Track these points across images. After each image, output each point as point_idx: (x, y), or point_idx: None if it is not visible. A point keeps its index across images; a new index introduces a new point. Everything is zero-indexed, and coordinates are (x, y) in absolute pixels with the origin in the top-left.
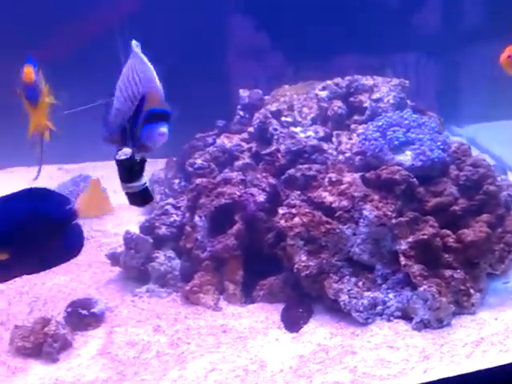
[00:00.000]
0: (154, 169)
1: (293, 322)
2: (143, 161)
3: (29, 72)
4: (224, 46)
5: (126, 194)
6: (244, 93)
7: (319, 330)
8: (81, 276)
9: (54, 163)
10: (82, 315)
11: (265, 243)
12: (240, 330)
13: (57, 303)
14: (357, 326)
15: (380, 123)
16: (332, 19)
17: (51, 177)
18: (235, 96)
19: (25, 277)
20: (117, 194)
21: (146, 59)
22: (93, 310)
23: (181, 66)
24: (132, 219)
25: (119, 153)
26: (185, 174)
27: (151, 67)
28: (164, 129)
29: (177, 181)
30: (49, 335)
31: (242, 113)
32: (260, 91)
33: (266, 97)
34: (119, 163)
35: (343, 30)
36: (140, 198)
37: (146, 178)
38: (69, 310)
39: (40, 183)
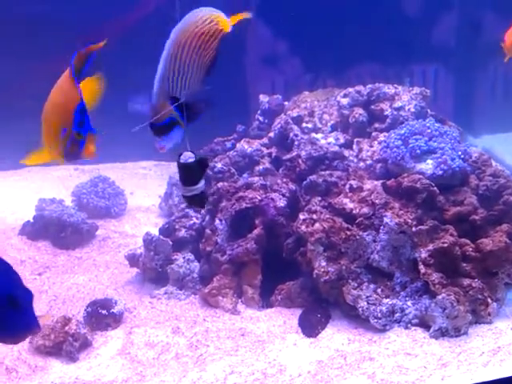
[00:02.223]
0: (171, 171)
1: (311, 327)
2: (205, 165)
3: None
4: (243, 52)
5: (185, 196)
6: (264, 98)
7: (337, 336)
8: (99, 276)
9: (71, 163)
10: (102, 315)
11: (284, 248)
12: (258, 334)
13: (75, 303)
14: (374, 332)
15: (402, 131)
16: (351, 28)
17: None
18: (253, 101)
19: (44, 276)
20: (133, 195)
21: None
22: (112, 311)
23: None
24: (149, 221)
25: (182, 156)
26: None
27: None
28: (157, 144)
29: None
30: (69, 334)
31: (261, 118)
32: (280, 97)
33: (286, 103)
34: (183, 166)
35: (362, 39)
36: (198, 200)
37: (203, 182)
38: (89, 309)
39: (56, 183)
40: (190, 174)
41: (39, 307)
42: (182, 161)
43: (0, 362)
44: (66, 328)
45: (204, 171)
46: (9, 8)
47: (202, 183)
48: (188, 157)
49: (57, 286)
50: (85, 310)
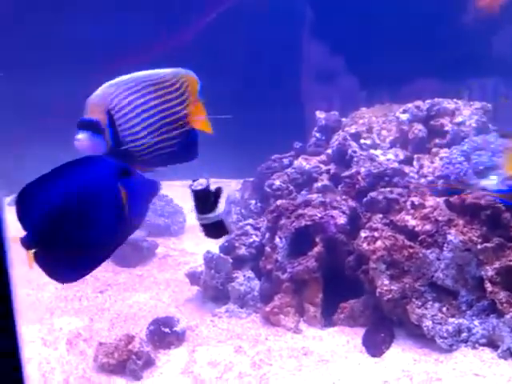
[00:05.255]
0: (230, 189)
1: (375, 347)
2: (219, 192)
3: None
4: (298, 69)
5: (201, 225)
6: (321, 115)
7: (402, 356)
8: (160, 294)
9: None
10: (165, 333)
11: (345, 266)
12: (321, 353)
13: (137, 321)
14: (441, 352)
15: (465, 147)
16: (406, 43)
17: None
18: (309, 118)
19: (106, 293)
20: (193, 213)
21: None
22: (175, 329)
23: (255, 89)
24: (208, 239)
25: (195, 183)
26: (261, 195)
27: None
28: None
29: (253, 201)
30: (133, 352)
31: (318, 135)
32: (337, 113)
33: (343, 119)
34: (194, 193)
35: (417, 54)
36: (214, 230)
37: (221, 210)
38: (151, 327)
39: None
40: (200, 201)
41: (102, 325)
42: (192, 187)
43: (64, 380)
44: (130, 346)
45: (217, 200)
46: None
47: (215, 213)
48: (199, 184)
49: (118, 304)
50: (147, 328)
